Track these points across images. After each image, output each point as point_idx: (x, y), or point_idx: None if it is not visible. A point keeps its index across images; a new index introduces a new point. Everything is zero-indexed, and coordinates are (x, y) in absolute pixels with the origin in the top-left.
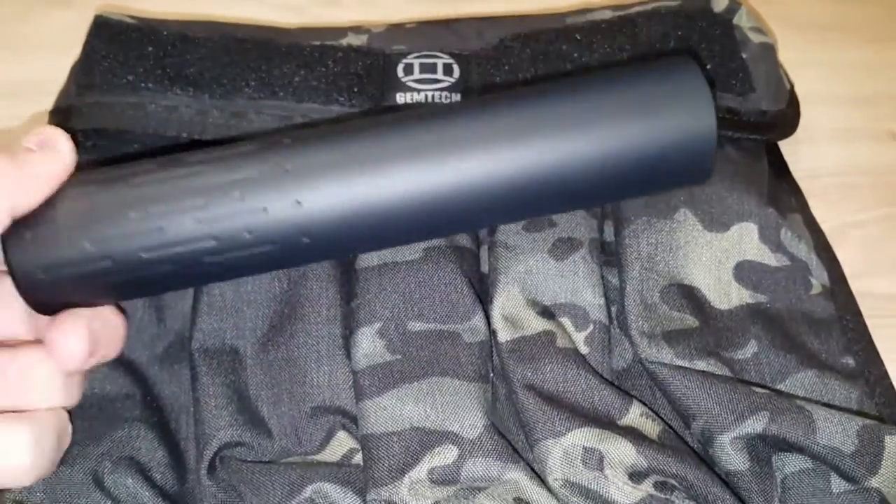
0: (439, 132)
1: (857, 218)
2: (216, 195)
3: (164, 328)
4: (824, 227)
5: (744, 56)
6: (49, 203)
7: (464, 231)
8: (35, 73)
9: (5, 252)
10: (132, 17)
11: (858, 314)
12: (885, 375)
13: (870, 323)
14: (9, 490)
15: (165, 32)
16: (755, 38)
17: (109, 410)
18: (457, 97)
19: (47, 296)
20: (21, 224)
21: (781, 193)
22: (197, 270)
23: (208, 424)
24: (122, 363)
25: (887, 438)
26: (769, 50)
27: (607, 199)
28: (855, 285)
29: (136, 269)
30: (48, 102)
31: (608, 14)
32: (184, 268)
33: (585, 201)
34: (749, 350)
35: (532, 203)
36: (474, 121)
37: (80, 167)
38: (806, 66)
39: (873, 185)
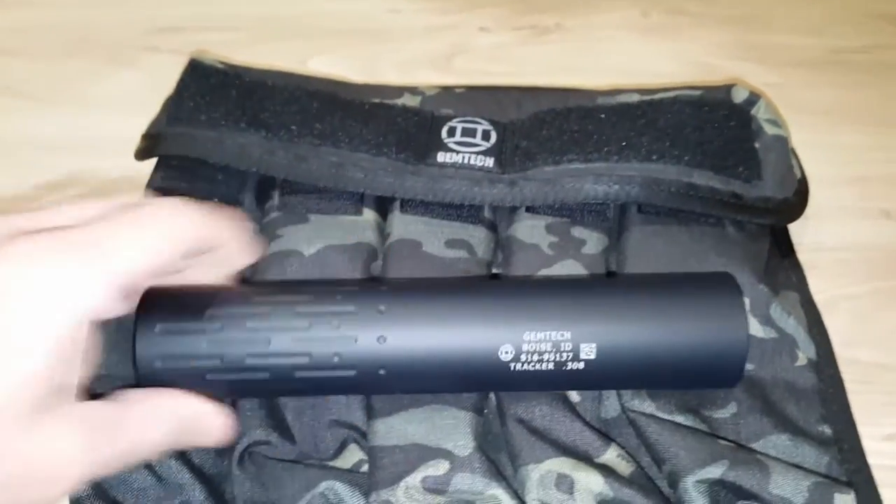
0: (509, 306)
1: (848, 291)
2: (318, 321)
3: None
4: (819, 298)
5: (756, 145)
6: (178, 303)
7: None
8: (103, 132)
9: (134, 335)
10: (221, 62)
11: (841, 387)
12: (858, 445)
13: (853, 389)
14: None
15: (247, 79)
16: (770, 129)
17: None
18: (490, 161)
19: (157, 381)
20: (151, 312)
21: (781, 271)
22: (287, 381)
23: (243, 423)
24: None
25: (837, 496)
26: (781, 141)
27: (643, 386)
28: (843, 353)
29: (238, 371)
30: (115, 160)
31: (635, 97)
32: (277, 376)
33: (620, 385)
34: (729, 410)
35: (568, 382)
36: (545, 300)
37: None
38: (806, 147)
39: (864, 259)
